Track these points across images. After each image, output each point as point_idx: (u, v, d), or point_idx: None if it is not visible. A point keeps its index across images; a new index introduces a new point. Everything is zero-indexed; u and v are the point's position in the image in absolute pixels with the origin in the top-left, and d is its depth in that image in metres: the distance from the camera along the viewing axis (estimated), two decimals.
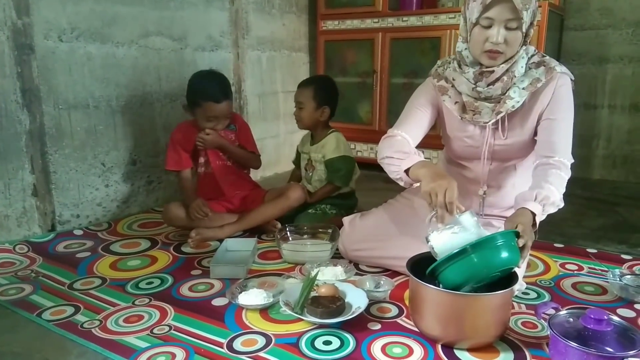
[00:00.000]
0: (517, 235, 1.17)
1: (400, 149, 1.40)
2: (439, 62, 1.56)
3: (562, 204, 1.31)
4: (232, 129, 2.11)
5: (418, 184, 1.32)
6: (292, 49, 3.27)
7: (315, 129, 2.17)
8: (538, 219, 1.24)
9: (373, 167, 3.07)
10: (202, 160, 2.08)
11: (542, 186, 1.28)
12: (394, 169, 1.39)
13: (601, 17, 2.87)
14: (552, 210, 1.29)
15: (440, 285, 1.15)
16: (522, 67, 1.37)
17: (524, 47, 1.36)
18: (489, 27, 1.31)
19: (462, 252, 1.10)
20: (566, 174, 1.33)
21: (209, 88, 1.94)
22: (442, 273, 1.15)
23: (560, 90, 1.37)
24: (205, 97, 1.91)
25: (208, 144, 1.98)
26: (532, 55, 1.41)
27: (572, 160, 1.36)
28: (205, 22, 2.56)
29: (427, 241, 1.20)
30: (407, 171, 1.35)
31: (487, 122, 1.41)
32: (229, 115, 2.02)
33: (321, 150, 2.13)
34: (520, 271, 1.36)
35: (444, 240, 1.16)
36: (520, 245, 1.16)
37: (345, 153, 2.12)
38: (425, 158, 1.40)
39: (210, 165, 2.07)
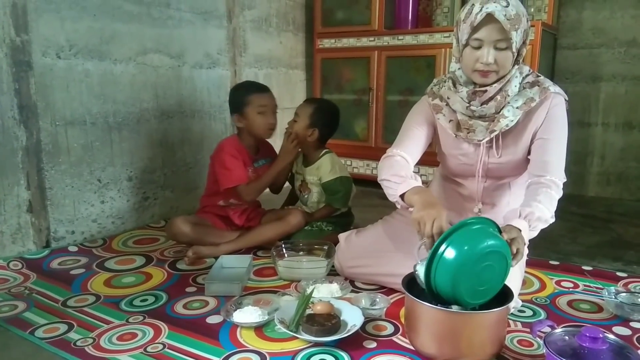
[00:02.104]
0: (497, 227, 1.17)
1: (398, 172, 1.41)
2: (434, 81, 1.58)
3: (551, 220, 1.31)
4: (270, 162, 2.15)
5: (412, 209, 1.33)
6: (289, 66, 3.30)
7: (302, 146, 2.15)
8: (525, 235, 1.23)
9: (369, 183, 3.09)
10: (234, 202, 2.09)
11: (529, 204, 1.29)
12: (391, 192, 1.40)
13: (594, 37, 2.92)
14: (541, 225, 1.29)
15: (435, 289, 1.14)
16: (515, 86, 1.38)
17: (516, 67, 1.38)
18: (479, 47, 1.33)
19: (436, 251, 1.11)
20: (557, 193, 1.33)
21: (251, 84, 2.14)
22: (436, 283, 1.13)
23: (554, 110, 1.39)
24: (250, 91, 2.03)
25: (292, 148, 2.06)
26: (527, 75, 1.42)
27: (565, 180, 1.37)
28: (203, 40, 2.59)
29: (415, 270, 1.20)
30: (403, 195, 1.36)
31: (481, 140, 1.43)
32: (276, 110, 2.06)
33: (316, 173, 2.12)
34: (515, 289, 1.36)
35: None
36: (506, 238, 1.15)
37: (341, 174, 2.11)
38: (421, 177, 1.41)
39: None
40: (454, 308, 1.15)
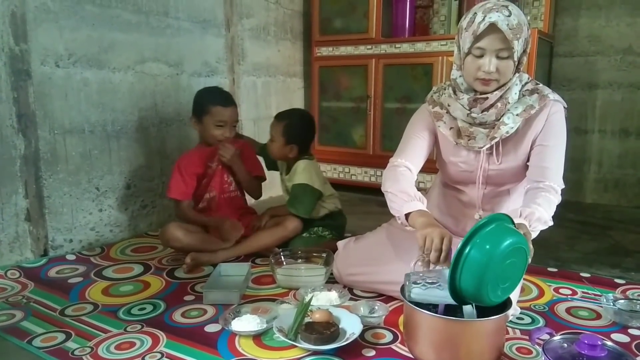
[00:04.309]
0: (511, 220, 1.16)
1: (405, 189, 1.40)
2: (434, 89, 1.59)
3: (550, 222, 1.31)
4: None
5: (410, 228, 1.35)
6: (287, 74, 3.31)
7: (286, 161, 2.16)
8: (528, 234, 1.22)
9: (367, 190, 3.09)
10: (208, 195, 2.12)
11: (528, 206, 1.30)
12: (396, 207, 1.40)
13: (590, 44, 2.94)
14: (540, 226, 1.29)
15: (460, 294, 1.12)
16: (515, 93, 1.40)
17: (517, 75, 1.39)
18: (481, 56, 1.34)
19: (461, 253, 1.09)
20: (555, 198, 1.34)
21: (216, 94, 2.07)
22: (461, 286, 1.11)
23: (553, 118, 1.40)
24: (213, 102, 2.00)
25: (227, 157, 2.03)
26: (526, 83, 1.44)
27: (563, 186, 1.38)
28: (201, 49, 2.60)
29: (406, 283, 1.19)
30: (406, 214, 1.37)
31: (482, 147, 1.43)
32: (236, 124, 2.06)
33: (292, 178, 2.10)
34: (514, 296, 1.36)
35: (426, 295, 1.17)
36: (522, 232, 1.14)
37: (306, 181, 2.04)
38: (419, 184, 1.42)
39: (216, 200, 2.12)
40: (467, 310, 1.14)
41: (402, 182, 1.44)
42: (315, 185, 2.06)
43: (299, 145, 2.09)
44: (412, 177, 1.48)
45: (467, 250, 1.08)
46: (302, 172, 2.06)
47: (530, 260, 1.16)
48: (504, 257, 1.07)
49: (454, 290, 1.12)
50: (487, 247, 1.07)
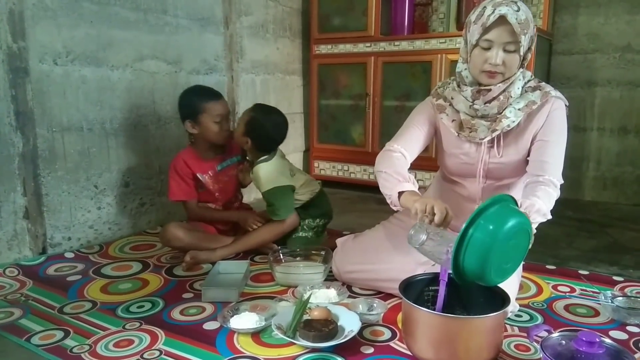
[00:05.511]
0: (514, 200, 1.18)
1: (400, 172, 1.44)
2: (439, 83, 1.61)
3: (549, 216, 1.33)
4: (238, 160, 2.16)
5: (399, 207, 1.40)
6: (286, 72, 3.31)
7: (243, 150, 2.12)
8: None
9: (366, 188, 3.09)
10: (212, 206, 2.13)
11: (528, 198, 1.32)
12: (389, 185, 1.43)
13: (588, 42, 2.94)
14: (539, 219, 1.30)
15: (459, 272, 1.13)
16: (518, 88, 1.42)
17: (521, 70, 1.42)
18: (488, 48, 1.36)
19: (465, 234, 1.09)
20: (554, 191, 1.36)
21: (204, 91, 2.05)
22: (465, 267, 1.11)
23: (554, 114, 1.42)
24: (206, 99, 1.98)
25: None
26: (529, 80, 1.46)
27: (562, 182, 1.39)
28: (200, 46, 2.59)
29: (411, 233, 1.21)
30: (398, 194, 1.39)
31: (483, 139, 1.45)
32: (229, 116, 2.05)
33: (255, 181, 2.03)
34: (512, 293, 1.37)
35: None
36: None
37: (271, 185, 1.96)
38: (417, 180, 1.44)
39: (221, 208, 2.16)
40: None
41: (397, 165, 1.47)
42: (282, 183, 1.97)
43: (253, 142, 1.99)
44: (407, 163, 1.51)
45: (471, 231, 1.09)
46: (264, 178, 1.97)
47: (531, 244, 1.18)
48: (507, 238, 1.08)
49: (456, 270, 1.13)
50: (491, 228, 1.08)
